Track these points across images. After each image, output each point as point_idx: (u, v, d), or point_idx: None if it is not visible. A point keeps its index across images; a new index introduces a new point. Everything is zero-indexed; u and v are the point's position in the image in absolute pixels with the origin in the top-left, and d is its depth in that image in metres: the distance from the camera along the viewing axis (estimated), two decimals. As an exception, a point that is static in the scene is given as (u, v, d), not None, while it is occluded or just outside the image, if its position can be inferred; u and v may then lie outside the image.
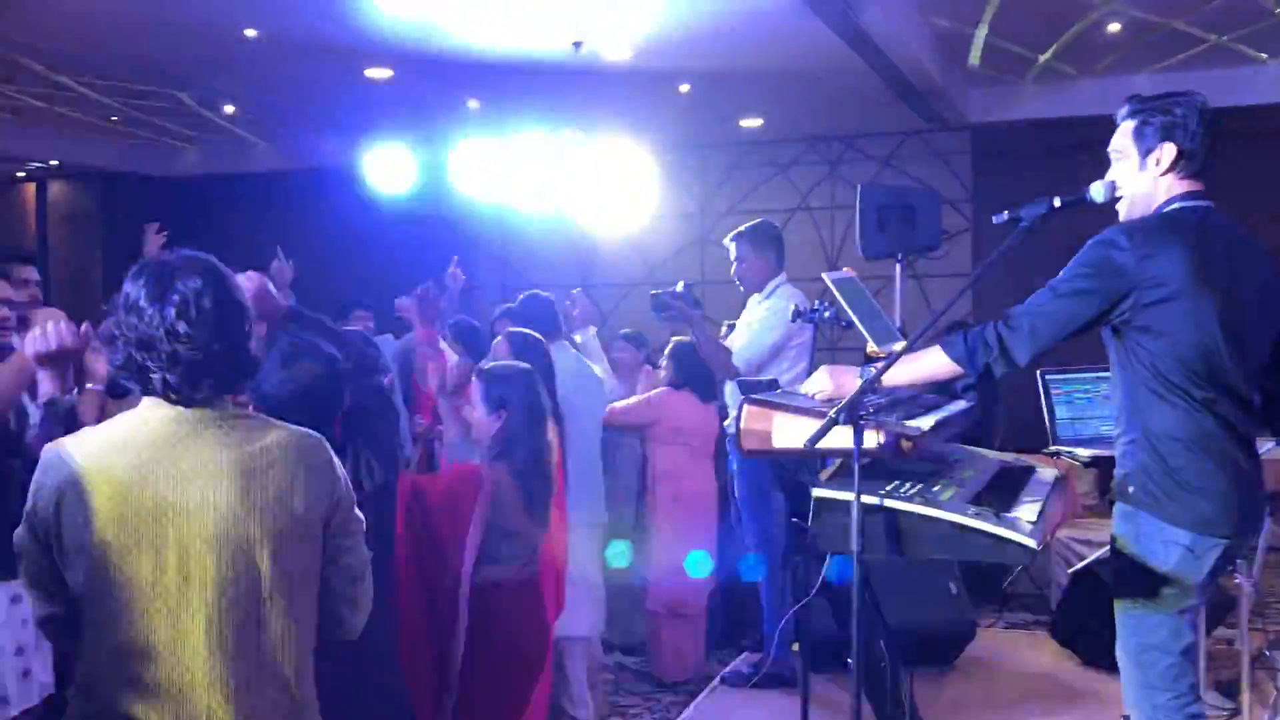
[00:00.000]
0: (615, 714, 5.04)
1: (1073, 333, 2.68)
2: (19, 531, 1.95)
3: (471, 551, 3.15)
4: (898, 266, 6.00)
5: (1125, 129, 2.80)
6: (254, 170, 10.91)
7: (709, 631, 5.54)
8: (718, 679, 5.03)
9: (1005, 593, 6.16)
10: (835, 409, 2.47)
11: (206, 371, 1.94)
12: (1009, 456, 3.43)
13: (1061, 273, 2.71)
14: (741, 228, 5.18)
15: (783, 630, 3.60)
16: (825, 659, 3.69)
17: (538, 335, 4.14)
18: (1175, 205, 2.76)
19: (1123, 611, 2.77)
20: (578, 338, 5.23)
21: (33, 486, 1.92)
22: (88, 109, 9.05)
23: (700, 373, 5.26)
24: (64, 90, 8.33)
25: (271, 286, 3.86)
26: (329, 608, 2.09)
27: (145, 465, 1.89)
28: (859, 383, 2.68)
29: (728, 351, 4.80)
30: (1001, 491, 2.90)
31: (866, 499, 2.52)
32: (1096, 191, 2.82)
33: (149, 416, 1.94)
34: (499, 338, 4.26)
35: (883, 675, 3.03)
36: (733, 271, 5.12)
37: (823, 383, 2.85)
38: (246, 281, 3.54)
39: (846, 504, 2.50)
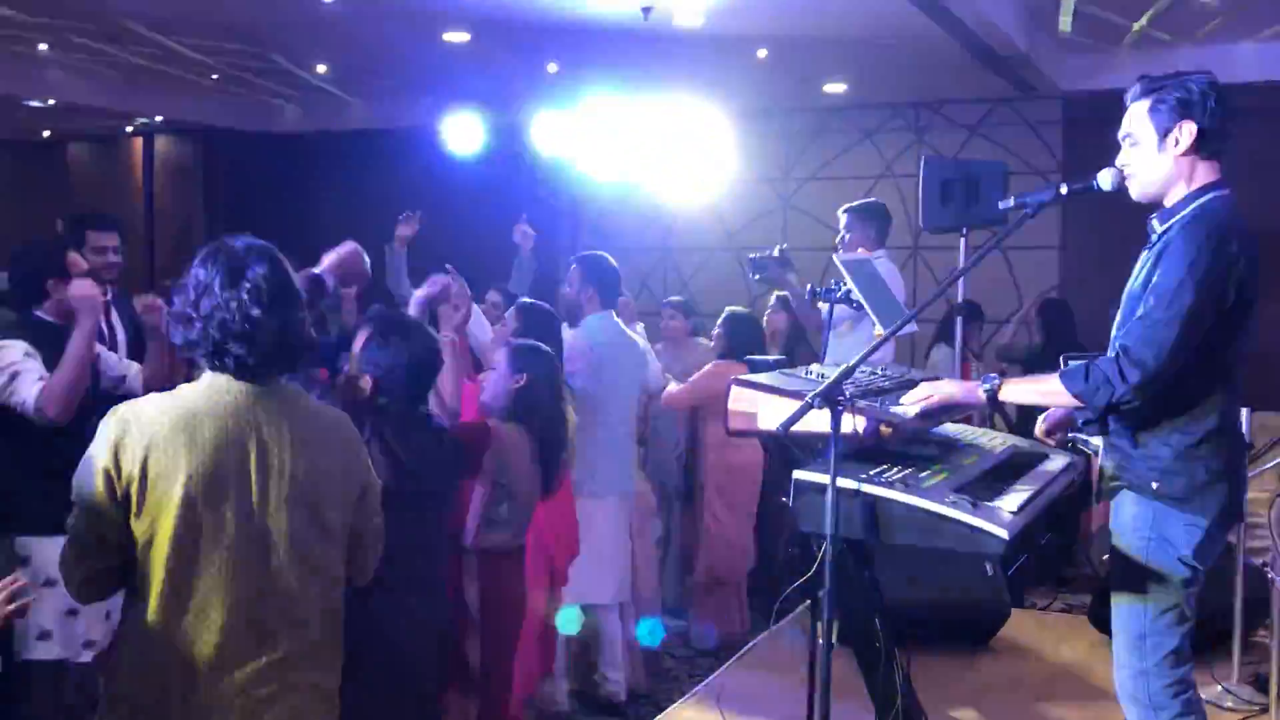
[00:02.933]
0: (654, 676, 5.16)
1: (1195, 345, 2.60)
2: (87, 484, 2.06)
3: (475, 513, 3.25)
4: (961, 240, 5.93)
5: (1138, 110, 2.73)
6: (348, 128, 11.16)
7: (752, 601, 5.61)
8: (746, 648, 5.09)
9: (1062, 576, 6.08)
10: (812, 393, 2.50)
11: (273, 351, 2.14)
12: (1025, 443, 3.40)
13: (1169, 280, 2.57)
14: (854, 203, 5.48)
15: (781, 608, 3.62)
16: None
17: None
18: (1211, 195, 2.70)
19: (1127, 599, 2.76)
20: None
21: (110, 441, 2.05)
22: (188, 68, 9.35)
23: (751, 342, 5.28)
24: (165, 50, 8.63)
25: (365, 256, 4.01)
26: (359, 559, 2.36)
27: (228, 431, 2.09)
28: (980, 394, 2.74)
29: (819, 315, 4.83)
30: (996, 479, 2.89)
31: (844, 483, 2.54)
32: (1105, 179, 2.77)
33: (223, 388, 2.13)
34: (511, 309, 4.33)
35: (877, 656, 3.05)
36: (837, 240, 5.31)
37: (943, 389, 2.84)
38: (338, 252, 3.76)
39: (825, 486, 2.52)
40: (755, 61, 8.03)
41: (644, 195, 9.36)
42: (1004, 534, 2.43)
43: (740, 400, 2.73)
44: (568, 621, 4.14)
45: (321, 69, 9.44)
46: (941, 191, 5.72)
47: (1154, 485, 2.69)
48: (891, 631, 3.10)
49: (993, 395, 2.74)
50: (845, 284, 3.21)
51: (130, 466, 2.04)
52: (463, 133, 7.36)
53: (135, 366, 3.85)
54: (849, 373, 2.56)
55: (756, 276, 5.24)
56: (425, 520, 2.93)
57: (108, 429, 2.08)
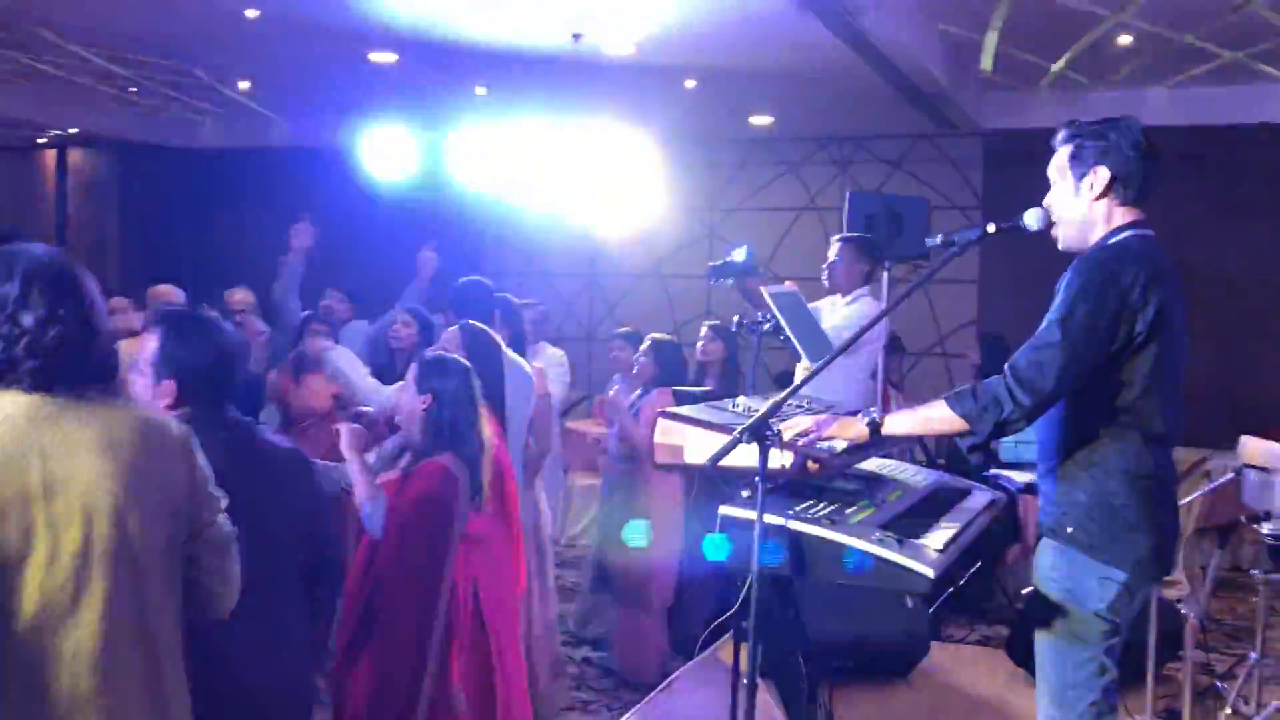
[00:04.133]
0: (574, 711, 5.09)
1: (1087, 373, 2.58)
2: None
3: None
4: (885, 274, 5.99)
5: (1062, 153, 2.77)
6: (270, 145, 10.98)
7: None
8: (668, 679, 5.04)
9: (980, 607, 6.14)
10: (740, 427, 2.48)
11: (61, 360, 2.00)
12: (947, 477, 3.42)
13: (1059, 306, 2.60)
14: (851, 234, 5.45)
15: (705, 640, 3.58)
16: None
17: (490, 331, 4.14)
18: (1127, 234, 2.73)
19: (1047, 647, 2.75)
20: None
21: None
22: (105, 79, 9.13)
23: (677, 369, 5.26)
24: (80, 60, 8.41)
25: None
26: (199, 581, 2.18)
27: (8, 449, 1.94)
28: (861, 427, 2.69)
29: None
30: (923, 515, 2.89)
31: (771, 519, 2.52)
32: (1031, 219, 2.79)
33: (6, 404, 1.98)
34: (451, 328, 4.27)
35: (799, 690, 3.03)
36: (824, 266, 5.26)
37: (829, 429, 2.75)
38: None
39: (751, 521, 2.49)
40: (684, 91, 8.07)
41: (570, 221, 9.33)
42: (930, 573, 2.42)
43: (667, 433, 2.70)
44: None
45: (244, 85, 9.27)
46: (866, 225, 5.79)
47: (1068, 530, 2.67)
48: (814, 665, 3.09)
49: (875, 427, 2.72)
50: (769, 316, 3.21)
51: None
52: (385, 153, 7.26)
53: None
54: (777, 407, 2.55)
55: (718, 282, 5.08)
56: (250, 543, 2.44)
57: None
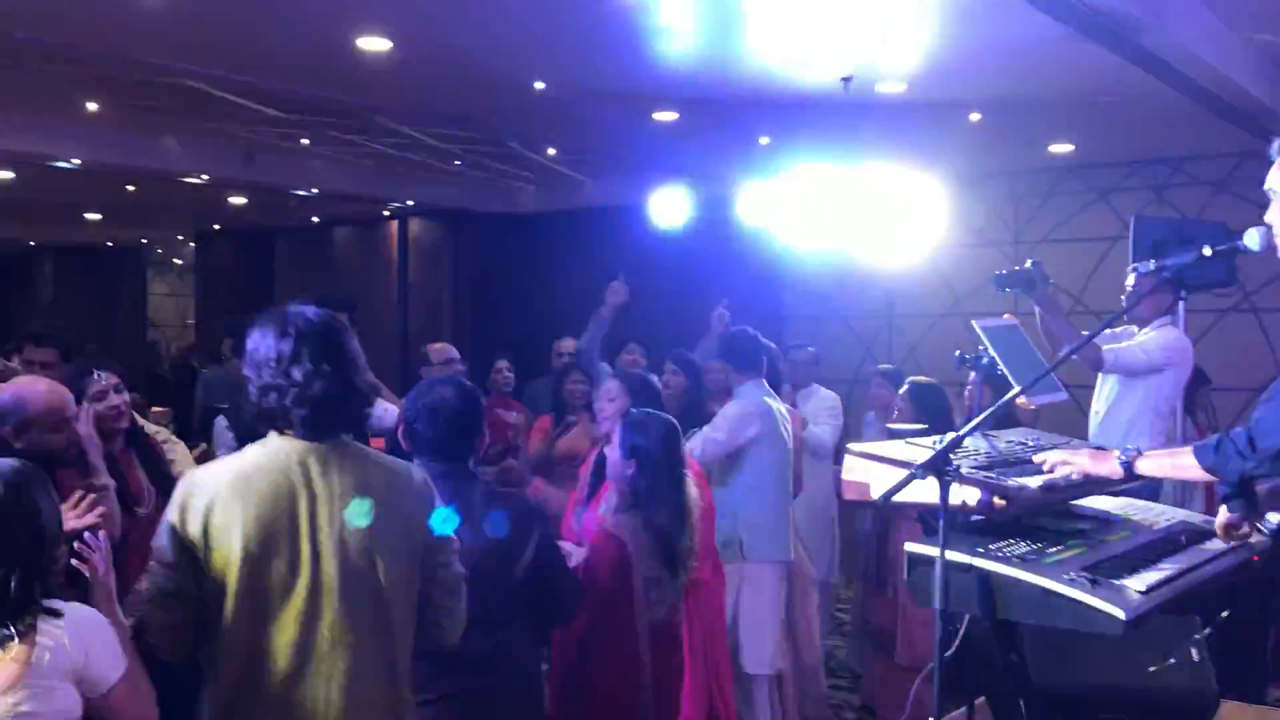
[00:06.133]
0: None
1: None
2: (161, 541, 2.25)
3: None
4: (1180, 305, 5.59)
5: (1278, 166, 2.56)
6: (581, 206, 11.66)
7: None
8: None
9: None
10: (918, 463, 2.45)
11: (329, 409, 2.27)
12: (1197, 518, 3.18)
13: None
14: (1152, 265, 5.13)
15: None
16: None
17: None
18: None
19: None
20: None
21: (178, 502, 2.24)
22: (433, 155, 10.08)
23: (938, 411, 5.08)
24: (411, 139, 9.34)
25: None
26: (429, 617, 2.39)
27: (278, 486, 2.22)
28: (1114, 464, 2.63)
29: (1096, 346, 4.59)
30: (1145, 557, 2.73)
31: (955, 556, 2.47)
32: (1251, 240, 2.60)
33: (278, 446, 2.28)
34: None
35: (1021, 741, 2.90)
36: (1122, 296, 5.00)
37: (1077, 460, 2.74)
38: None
39: (934, 559, 2.46)
40: (969, 125, 7.88)
41: (863, 263, 9.29)
42: (1121, 615, 2.30)
43: (853, 469, 2.70)
44: None
45: (551, 151, 9.94)
46: (1153, 252, 5.43)
47: None
48: (1042, 716, 2.95)
49: (1129, 467, 2.61)
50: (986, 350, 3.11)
51: (194, 525, 2.19)
52: (670, 207, 7.55)
53: None
54: (957, 442, 2.50)
55: (1006, 291, 4.90)
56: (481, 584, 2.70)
57: (177, 492, 2.26)
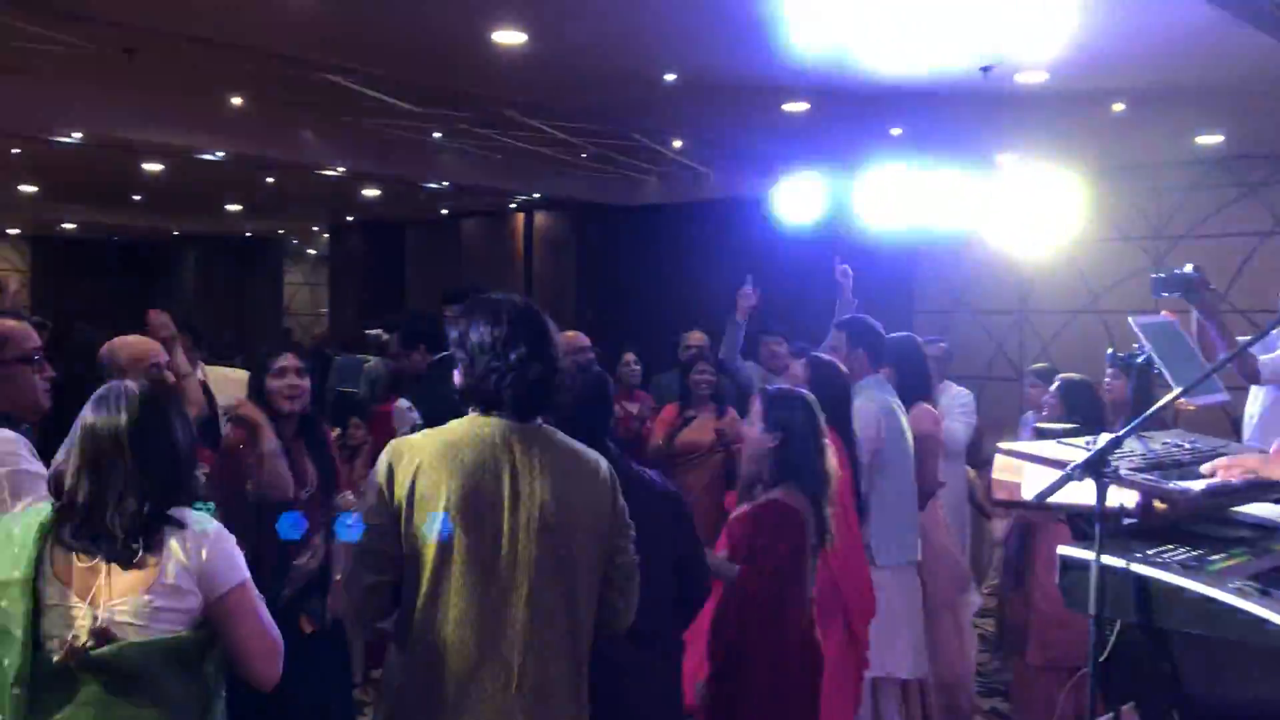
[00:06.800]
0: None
1: None
2: (369, 503, 2.32)
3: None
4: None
5: None
6: (703, 198, 11.64)
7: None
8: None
9: None
10: (1073, 463, 2.36)
11: (531, 391, 2.35)
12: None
13: None
14: None
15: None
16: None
17: (839, 366, 4.13)
18: None
19: None
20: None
21: (385, 465, 2.30)
22: (560, 147, 10.17)
23: (1090, 409, 4.84)
24: (540, 133, 9.44)
25: None
26: (607, 600, 2.44)
27: (484, 459, 2.29)
28: None
29: (1253, 357, 4.31)
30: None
31: (1111, 561, 2.37)
32: None
33: (483, 422, 2.34)
34: (797, 362, 4.32)
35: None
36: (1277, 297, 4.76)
37: (1246, 463, 2.61)
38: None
39: (1089, 562, 2.37)
40: (1111, 116, 7.61)
41: (997, 256, 9.07)
42: (1293, 626, 2.17)
43: (1004, 469, 2.62)
44: None
45: (677, 144, 9.94)
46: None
47: None
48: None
49: (1119, 443, 2.44)
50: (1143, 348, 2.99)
51: (401, 488, 2.25)
52: (796, 200, 7.45)
53: None
54: (1117, 442, 2.40)
55: (1163, 295, 4.60)
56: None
57: (384, 455, 2.32)
